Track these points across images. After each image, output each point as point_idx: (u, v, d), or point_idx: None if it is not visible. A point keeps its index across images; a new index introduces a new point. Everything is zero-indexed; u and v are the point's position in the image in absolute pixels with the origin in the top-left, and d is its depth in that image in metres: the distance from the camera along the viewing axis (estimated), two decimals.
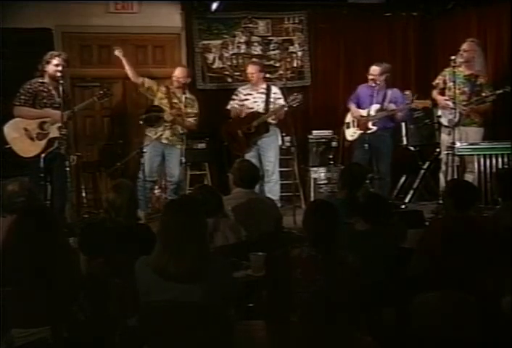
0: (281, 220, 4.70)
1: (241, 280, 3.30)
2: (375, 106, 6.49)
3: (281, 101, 6.67)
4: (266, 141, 6.77)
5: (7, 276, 2.82)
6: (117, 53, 6.58)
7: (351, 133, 6.76)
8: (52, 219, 3.08)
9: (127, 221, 3.67)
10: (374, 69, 6.54)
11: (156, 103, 6.59)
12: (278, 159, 6.88)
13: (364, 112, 6.56)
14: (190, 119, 6.51)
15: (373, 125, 6.47)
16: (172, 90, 6.58)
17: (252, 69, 6.80)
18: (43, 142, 5.65)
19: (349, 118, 6.80)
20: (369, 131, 6.46)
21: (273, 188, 6.66)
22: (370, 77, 6.54)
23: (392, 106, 6.47)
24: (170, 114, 6.44)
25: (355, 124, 6.69)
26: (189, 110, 6.51)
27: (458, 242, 3.30)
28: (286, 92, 6.76)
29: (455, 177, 5.96)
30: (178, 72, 6.58)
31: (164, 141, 6.51)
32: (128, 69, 6.60)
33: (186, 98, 6.48)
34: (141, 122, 6.45)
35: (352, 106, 6.74)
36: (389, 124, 6.61)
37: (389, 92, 6.54)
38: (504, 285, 3.06)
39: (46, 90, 5.69)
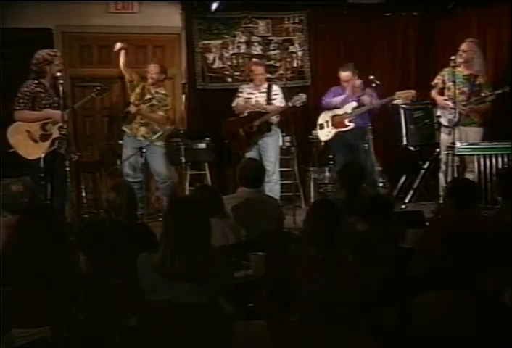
0: (282, 219, 4.68)
1: (241, 280, 3.30)
2: (352, 104, 6.57)
3: (282, 100, 6.70)
4: (267, 141, 6.78)
5: (7, 276, 2.82)
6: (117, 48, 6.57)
7: (325, 133, 6.82)
8: (54, 219, 3.08)
9: (127, 221, 3.68)
10: (346, 75, 6.60)
11: (132, 99, 6.61)
12: (279, 159, 6.88)
13: (340, 111, 6.64)
14: (160, 113, 6.52)
15: (350, 122, 6.55)
16: (147, 87, 6.60)
17: (258, 71, 6.84)
18: (47, 143, 5.60)
19: (321, 119, 6.85)
20: (346, 128, 6.55)
21: (273, 188, 6.65)
22: (344, 84, 6.62)
23: (367, 99, 6.50)
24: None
25: (330, 124, 6.74)
26: (160, 105, 6.53)
27: (458, 242, 3.30)
28: (286, 92, 6.77)
29: (455, 177, 5.96)
30: (151, 69, 6.60)
31: (140, 139, 6.48)
32: (122, 59, 6.58)
33: (157, 93, 6.54)
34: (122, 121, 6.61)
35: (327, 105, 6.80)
36: (365, 121, 6.65)
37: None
38: (504, 285, 3.06)
39: (43, 90, 5.61)
